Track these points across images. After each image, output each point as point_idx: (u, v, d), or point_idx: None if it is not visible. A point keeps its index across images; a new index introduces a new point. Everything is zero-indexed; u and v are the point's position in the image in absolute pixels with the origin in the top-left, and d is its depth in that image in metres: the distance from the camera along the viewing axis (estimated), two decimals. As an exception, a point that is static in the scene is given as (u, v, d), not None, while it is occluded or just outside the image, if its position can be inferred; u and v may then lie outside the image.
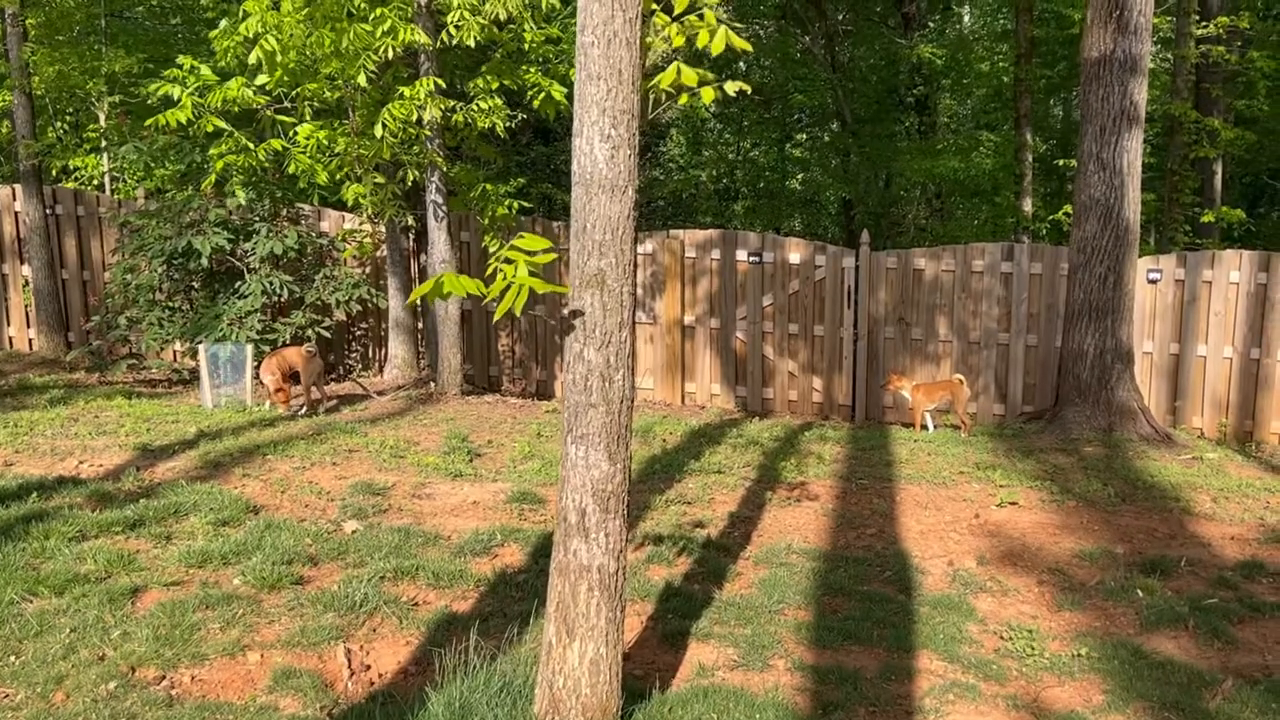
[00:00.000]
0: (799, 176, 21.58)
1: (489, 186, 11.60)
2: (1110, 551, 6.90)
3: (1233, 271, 12.29)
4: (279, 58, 9.77)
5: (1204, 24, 16.57)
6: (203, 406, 10.82)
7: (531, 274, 3.95)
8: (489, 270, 4.04)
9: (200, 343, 11.30)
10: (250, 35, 9.90)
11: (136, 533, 6.30)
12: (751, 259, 13.51)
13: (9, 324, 14.55)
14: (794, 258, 13.43)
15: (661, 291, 13.63)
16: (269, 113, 11.06)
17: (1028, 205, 18.48)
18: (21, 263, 14.37)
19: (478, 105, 10.73)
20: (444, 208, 11.32)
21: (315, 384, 11.03)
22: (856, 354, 13.34)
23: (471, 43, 10.31)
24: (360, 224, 12.87)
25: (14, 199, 14.27)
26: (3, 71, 14.74)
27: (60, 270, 14.25)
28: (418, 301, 13.14)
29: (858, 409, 13.40)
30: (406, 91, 10.08)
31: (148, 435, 9.10)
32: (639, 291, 13.62)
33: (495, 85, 10.94)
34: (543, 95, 11.06)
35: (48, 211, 14.20)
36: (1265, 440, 12.12)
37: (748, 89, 4.44)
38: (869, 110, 22.09)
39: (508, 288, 3.91)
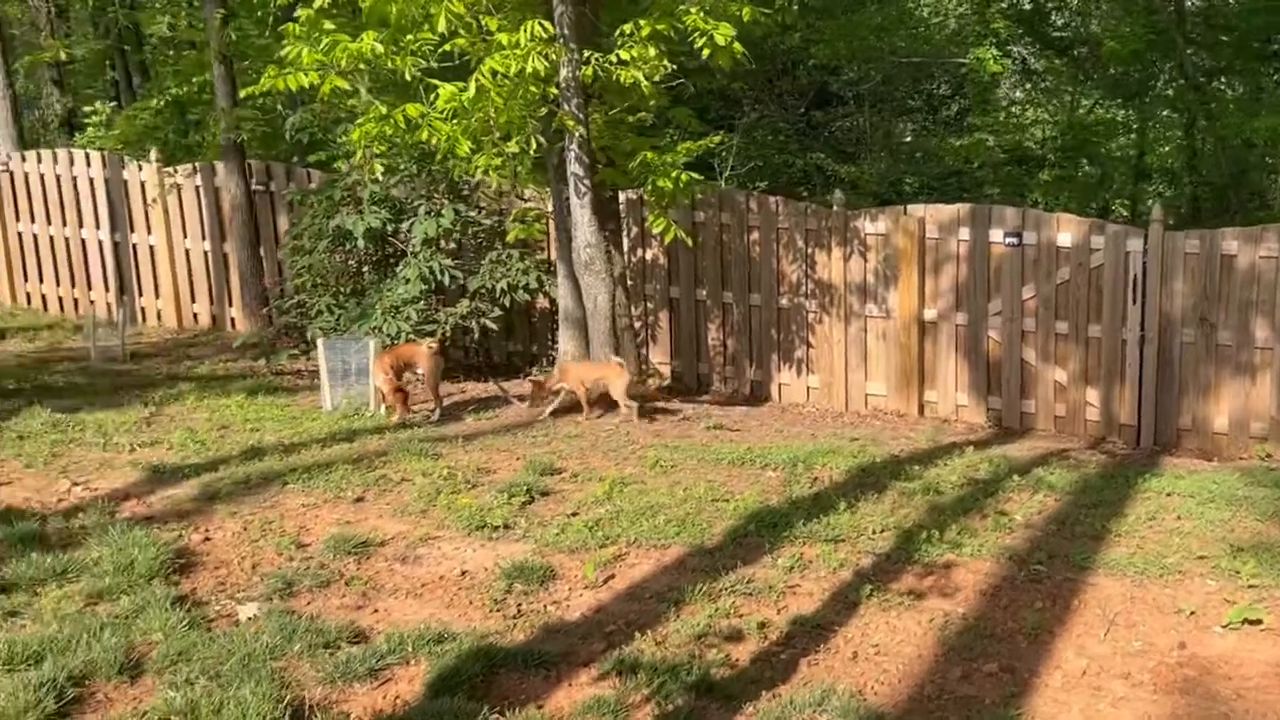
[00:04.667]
0: (1118, 141, 17.91)
1: (650, 155, 9.64)
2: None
3: None
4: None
5: None
6: (321, 409, 9.65)
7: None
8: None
9: (321, 336, 10.20)
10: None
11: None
12: (1008, 240, 10.81)
13: (230, 304, 14.20)
14: (1063, 239, 10.60)
15: (895, 280, 11.19)
16: (416, 73, 9.57)
17: None
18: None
19: (617, 55, 8.81)
20: (586, 181, 9.48)
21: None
22: (1144, 362, 10.35)
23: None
24: (527, 203, 11.33)
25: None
26: (203, 39, 14.33)
27: (262, 250, 13.68)
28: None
29: (1144, 431, 10.44)
30: (504, 39, 8.30)
31: (210, 447, 7.97)
32: (869, 279, 11.26)
33: (646, 31, 8.96)
34: (705, 41, 8.98)
35: (258, 187, 13.67)
36: None
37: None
38: (1226, 60, 18.00)
39: None
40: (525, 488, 7.02)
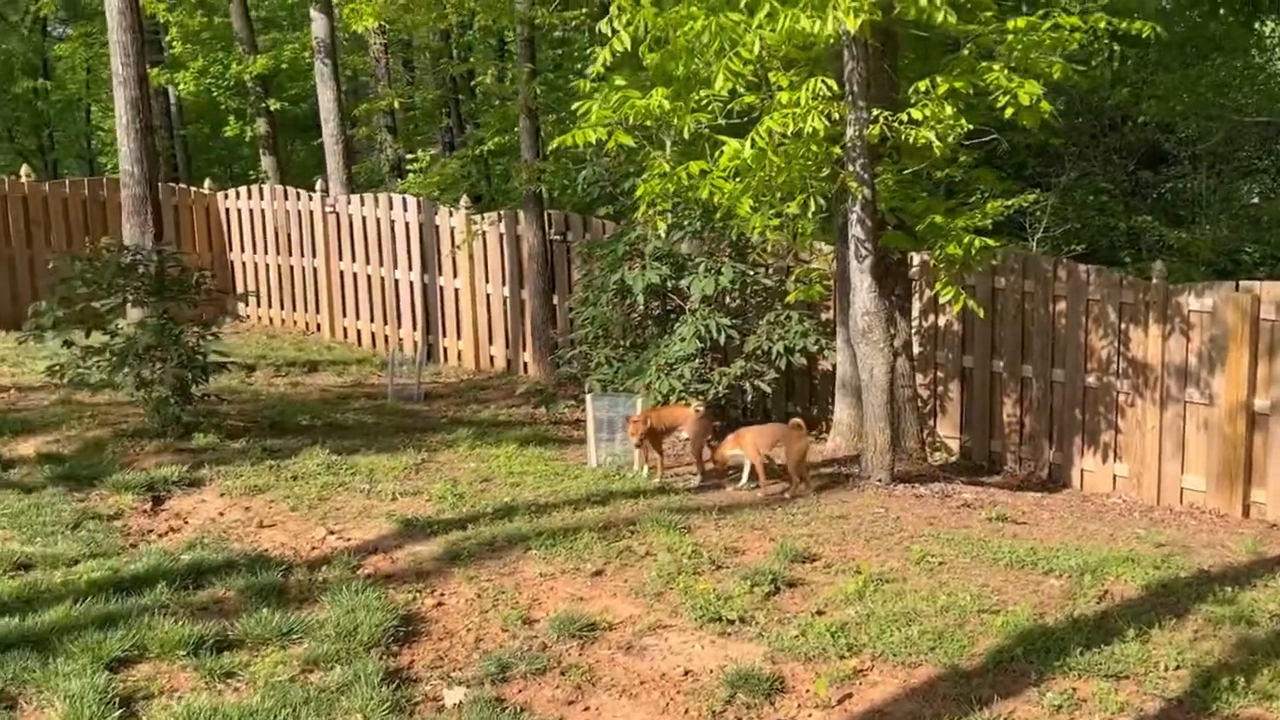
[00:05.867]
0: None
1: (939, 219, 8.98)
2: None
3: None
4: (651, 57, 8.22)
5: None
6: (586, 465, 9.55)
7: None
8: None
9: (597, 388, 10.12)
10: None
11: (184, 662, 5.05)
12: (1360, 326, 9.43)
13: (524, 349, 14.54)
14: None
15: (1222, 363, 9.98)
16: (703, 129, 9.38)
17: None
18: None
19: (908, 114, 8.24)
20: (868, 245, 8.90)
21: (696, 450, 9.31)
22: None
23: (941, 19, 7.89)
24: (809, 263, 10.87)
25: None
26: (513, 91, 14.78)
27: (556, 298, 13.91)
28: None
29: None
30: (785, 98, 7.89)
31: (467, 501, 7.98)
32: (1190, 360, 10.10)
33: (943, 89, 8.36)
34: (1007, 100, 8.31)
35: (555, 237, 13.95)
36: None
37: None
38: None
39: None
40: (771, 576, 6.54)
